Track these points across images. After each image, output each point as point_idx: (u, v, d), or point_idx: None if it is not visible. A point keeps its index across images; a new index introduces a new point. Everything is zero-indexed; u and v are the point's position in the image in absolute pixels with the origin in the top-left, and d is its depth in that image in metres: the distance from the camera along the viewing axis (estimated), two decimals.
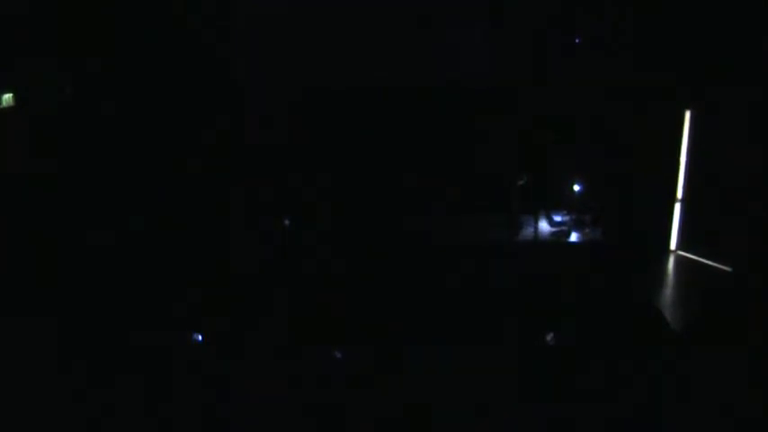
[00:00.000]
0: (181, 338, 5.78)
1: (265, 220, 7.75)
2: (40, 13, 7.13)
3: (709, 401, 4.66)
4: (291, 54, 7.93)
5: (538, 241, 7.83)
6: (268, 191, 7.84)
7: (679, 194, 8.27)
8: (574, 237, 7.56)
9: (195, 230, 7.39)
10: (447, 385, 5.04)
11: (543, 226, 7.94)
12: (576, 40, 8.17)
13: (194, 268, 6.93)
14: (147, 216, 7.33)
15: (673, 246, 8.37)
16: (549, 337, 5.59)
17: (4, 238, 6.87)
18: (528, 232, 7.71)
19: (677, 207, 8.31)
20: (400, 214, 8.23)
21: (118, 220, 7.24)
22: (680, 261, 8.21)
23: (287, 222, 7.83)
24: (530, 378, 5.05)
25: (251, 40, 7.83)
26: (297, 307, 6.38)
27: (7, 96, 7.18)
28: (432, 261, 7.36)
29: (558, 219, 7.99)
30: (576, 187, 7.75)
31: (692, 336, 5.72)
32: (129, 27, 7.38)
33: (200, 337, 5.82)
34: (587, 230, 7.59)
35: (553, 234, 7.70)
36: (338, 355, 5.39)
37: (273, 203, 7.83)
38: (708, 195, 7.91)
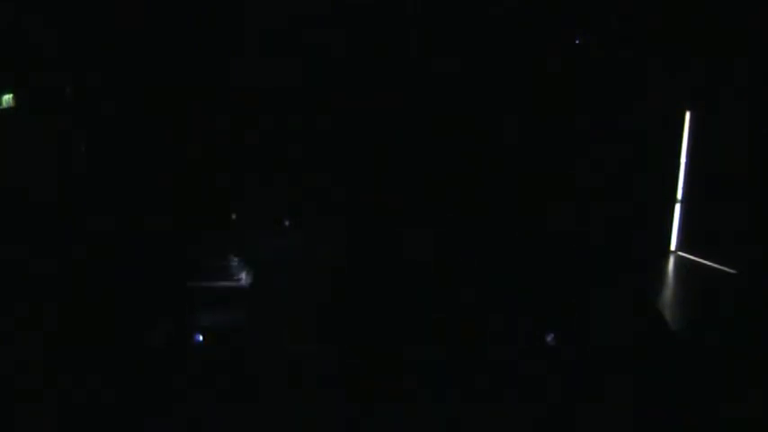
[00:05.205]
0: (181, 339, 5.78)
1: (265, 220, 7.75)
2: (40, 13, 7.13)
3: (708, 402, 4.66)
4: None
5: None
6: (268, 190, 7.83)
7: (679, 194, 8.28)
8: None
9: (195, 230, 7.39)
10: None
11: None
12: (576, 41, 8.17)
13: (195, 268, 6.93)
14: (147, 216, 7.33)
15: (673, 246, 8.37)
16: (550, 337, 5.59)
17: (5, 238, 6.87)
18: None
19: (677, 207, 8.31)
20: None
21: (117, 220, 7.23)
22: (680, 261, 8.21)
23: (287, 223, 7.83)
24: (529, 378, 5.05)
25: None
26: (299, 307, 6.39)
27: (7, 96, 7.17)
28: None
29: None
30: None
31: (692, 336, 5.72)
32: (128, 27, 7.38)
33: (200, 338, 5.81)
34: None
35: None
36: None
37: (273, 203, 7.82)
38: (708, 195, 7.92)
